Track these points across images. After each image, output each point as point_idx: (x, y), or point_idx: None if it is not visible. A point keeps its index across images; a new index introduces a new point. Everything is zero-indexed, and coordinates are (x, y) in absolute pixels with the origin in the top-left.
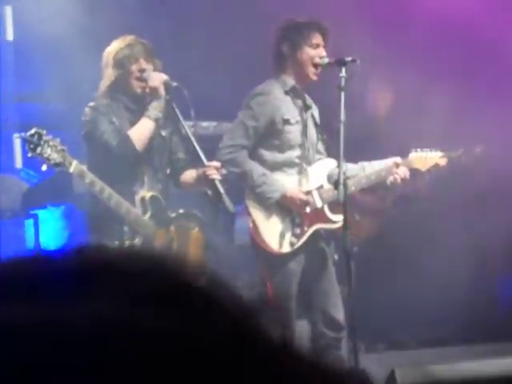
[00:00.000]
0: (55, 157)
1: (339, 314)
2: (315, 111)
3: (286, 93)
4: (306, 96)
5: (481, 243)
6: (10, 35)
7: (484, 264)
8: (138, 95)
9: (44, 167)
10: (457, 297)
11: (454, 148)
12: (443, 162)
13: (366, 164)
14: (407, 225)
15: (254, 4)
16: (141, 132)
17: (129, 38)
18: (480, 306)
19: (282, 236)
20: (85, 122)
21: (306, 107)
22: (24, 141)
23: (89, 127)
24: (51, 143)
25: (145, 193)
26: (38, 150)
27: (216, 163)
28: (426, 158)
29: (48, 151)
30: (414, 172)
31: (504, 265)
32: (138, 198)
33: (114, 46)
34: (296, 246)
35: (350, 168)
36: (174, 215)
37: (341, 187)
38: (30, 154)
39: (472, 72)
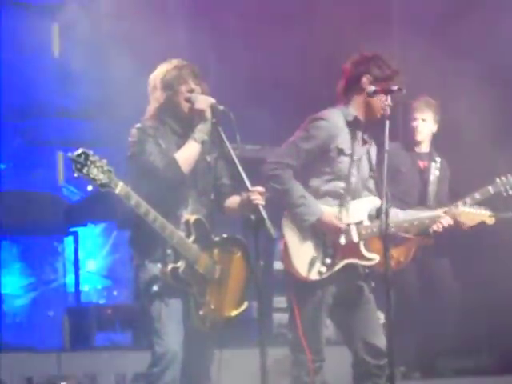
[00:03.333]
0: (101, 177)
1: (380, 341)
2: (372, 149)
3: (348, 123)
4: (367, 131)
5: None
6: (56, 52)
7: None
8: (186, 118)
9: (90, 187)
10: (495, 327)
11: (506, 210)
12: (491, 221)
13: (413, 212)
14: (445, 252)
15: (301, 36)
16: (187, 155)
17: (176, 61)
18: None
19: (311, 263)
20: (131, 142)
21: (363, 141)
22: (71, 161)
23: (135, 148)
24: (98, 164)
25: (189, 216)
26: (85, 170)
27: (260, 188)
28: (475, 215)
29: (94, 172)
30: (458, 224)
31: None
32: (182, 220)
33: (162, 69)
34: (324, 276)
35: (397, 212)
36: (217, 239)
37: (383, 216)
38: (76, 175)
39: None
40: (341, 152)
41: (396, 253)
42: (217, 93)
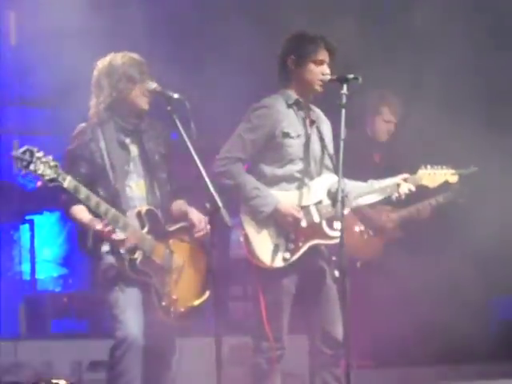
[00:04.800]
0: (48, 173)
1: (338, 333)
2: (323, 126)
3: (289, 106)
4: (314, 109)
5: (474, 266)
6: (12, 39)
7: (477, 286)
8: (136, 114)
9: (39, 183)
10: (447, 317)
11: (466, 166)
12: (454, 179)
13: (374, 182)
14: (409, 246)
15: (258, 20)
16: (76, 216)
17: (131, 54)
18: (471, 327)
19: (274, 251)
20: (71, 140)
21: (311, 121)
22: (15, 159)
23: (72, 147)
24: (43, 159)
25: (140, 207)
26: (31, 166)
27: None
28: (436, 175)
29: (41, 167)
30: (422, 188)
31: (496, 287)
32: (134, 212)
33: (117, 60)
34: (289, 262)
35: (358, 186)
36: (171, 229)
37: (338, 204)
38: (23, 172)
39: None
40: (286, 135)
41: (363, 250)
42: (171, 80)
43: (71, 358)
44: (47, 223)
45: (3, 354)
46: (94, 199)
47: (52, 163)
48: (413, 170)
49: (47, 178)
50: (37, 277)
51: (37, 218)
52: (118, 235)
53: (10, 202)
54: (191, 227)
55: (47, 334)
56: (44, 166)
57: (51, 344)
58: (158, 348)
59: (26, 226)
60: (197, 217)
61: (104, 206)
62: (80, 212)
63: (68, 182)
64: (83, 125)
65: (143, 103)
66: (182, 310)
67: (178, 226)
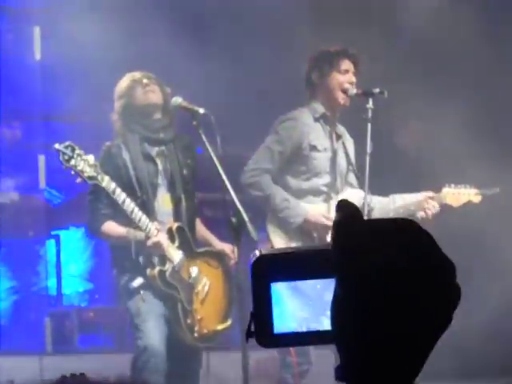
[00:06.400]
0: (88, 170)
1: None
2: (348, 142)
3: (316, 119)
4: (339, 125)
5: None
6: (37, 55)
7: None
8: (150, 119)
9: (78, 180)
10: (483, 331)
11: (491, 186)
12: (477, 199)
13: (397, 197)
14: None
15: (283, 32)
16: (111, 234)
17: (131, 75)
18: (506, 341)
19: None
20: (99, 158)
21: (337, 136)
22: (58, 152)
23: (100, 166)
24: (84, 157)
25: (171, 223)
26: (72, 162)
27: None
28: (460, 194)
29: (81, 164)
30: (445, 208)
31: None
32: (164, 228)
33: (119, 84)
34: None
35: (379, 201)
36: (200, 250)
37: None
38: (64, 166)
39: None
40: (313, 149)
41: None
42: (199, 95)
43: (97, 373)
44: (73, 238)
45: (29, 369)
46: (131, 205)
47: (91, 162)
48: (434, 188)
49: (86, 174)
50: (63, 292)
51: (63, 233)
52: (153, 239)
53: (36, 217)
54: (221, 255)
55: (73, 349)
56: (84, 164)
57: (77, 359)
58: (184, 361)
59: (52, 241)
60: (228, 247)
61: (140, 214)
62: (114, 227)
63: (107, 181)
64: (108, 143)
65: (142, 99)
66: (205, 331)
67: (204, 249)
